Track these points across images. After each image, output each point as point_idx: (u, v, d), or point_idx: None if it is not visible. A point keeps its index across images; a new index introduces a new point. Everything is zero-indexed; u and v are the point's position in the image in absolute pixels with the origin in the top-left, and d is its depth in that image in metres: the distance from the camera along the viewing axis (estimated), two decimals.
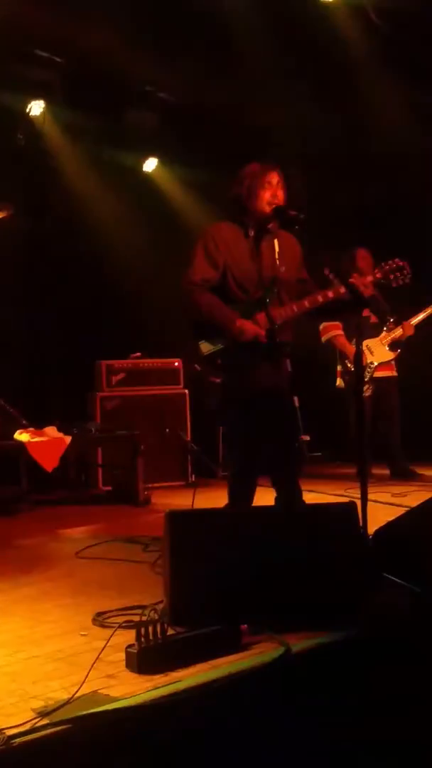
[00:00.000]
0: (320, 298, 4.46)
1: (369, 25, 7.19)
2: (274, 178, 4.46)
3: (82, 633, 3.34)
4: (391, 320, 7.53)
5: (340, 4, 7.11)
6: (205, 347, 4.49)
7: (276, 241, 4.51)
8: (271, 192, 4.44)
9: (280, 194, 4.46)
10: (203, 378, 4.53)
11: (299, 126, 8.38)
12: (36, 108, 7.85)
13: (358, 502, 3.66)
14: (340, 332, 7.51)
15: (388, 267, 4.55)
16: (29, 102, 7.80)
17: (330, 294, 4.44)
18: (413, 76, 7.63)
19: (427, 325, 7.55)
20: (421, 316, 7.49)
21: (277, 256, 4.49)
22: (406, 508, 4.56)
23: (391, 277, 4.54)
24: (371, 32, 7.23)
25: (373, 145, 8.60)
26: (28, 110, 7.82)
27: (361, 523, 3.59)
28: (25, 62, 7.49)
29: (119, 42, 7.07)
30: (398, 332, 7.47)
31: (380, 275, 4.54)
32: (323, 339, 7.63)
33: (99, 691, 2.68)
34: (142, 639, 2.86)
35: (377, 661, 3.11)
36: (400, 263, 4.55)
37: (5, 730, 2.36)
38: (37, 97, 7.80)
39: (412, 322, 7.47)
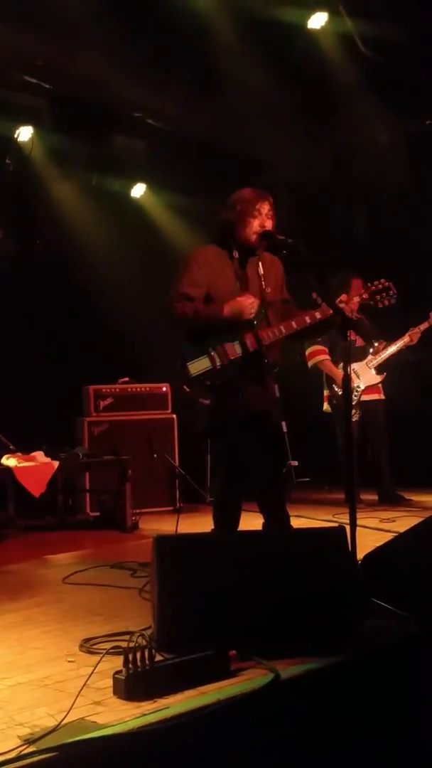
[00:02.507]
0: (308, 319, 4.47)
1: (356, 53, 7.25)
2: (265, 207, 4.49)
3: (70, 659, 3.31)
4: (377, 343, 7.53)
5: (327, 33, 7.17)
6: (194, 368, 4.49)
7: (260, 263, 4.53)
8: (260, 221, 4.47)
9: (269, 224, 4.49)
10: (192, 400, 4.50)
11: (287, 152, 8.43)
12: (24, 134, 7.87)
13: (347, 528, 3.65)
14: (327, 356, 7.51)
15: (374, 288, 4.57)
16: (18, 128, 7.82)
17: (318, 315, 4.46)
18: (400, 103, 7.70)
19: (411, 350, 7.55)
20: (426, 326, 7.40)
21: (262, 278, 4.51)
22: (395, 534, 4.55)
23: (378, 298, 4.56)
24: (358, 60, 7.29)
25: (362, 170, 8.67)
26: (16, 136, 7.84)
27: (350, 548, 3.58)
28: (13, 88, 7.52)
29: (107, 68, 7.12)
30: (405, 340, 7.39)
31: (367, 296, 4.56)
32: (310, 364, 7.63)
33: (86, 718, 2.65)
34: (130, 665, 2.83)
35: (367, 688, 3.09)
36: (386, 284, 4.57)
37: None
38: (25, 123, 7.82)
39: (421, 328, 7.40)
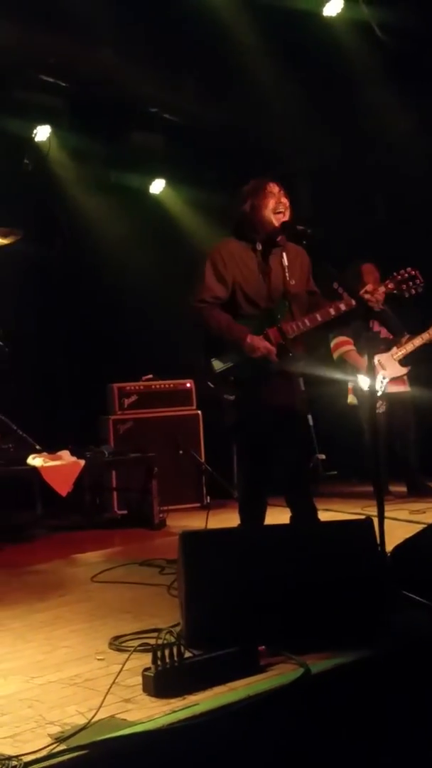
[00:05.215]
0: (332, 311, 4.43)
1: (373, 40, 7.17)
2: (275, 187, 4.46)
3: (99, 657, 3.30)
4: (404, 336, 7.47)
5: (343, 21, 7.09)
6: (218, 364, 4.47)
7: (284, 255, 4.49)
8: (275, 200, 4.43)
9: (285, 201, 4.45)
10: (217, 396, 4.48)
11: (306, 142, 8.38)
12: (42, 133, 7.88)
13: (375, 520, 3.61)
14: (352, 347, 7.44)
15: (399, 277, 4.48)
16: (35, 127, 7.83)
17: (342, 307, 4.42)
18: (418, 90, 7.62)
19: None
20: None
21: (286, 269, 4.47)
22: (425, 525, 4.50)
23: (404, 287, 4.47)
24: (376, 47, 7.21)
25: (381, 158, 8.59)
26: (34, 135, 7.85)
27: (378, 540, 3.54)
28: (30, 88, 7.52)
29: (123, 65, 7.09)
30: (425, 337, 7.34)
31: (392, 286, 4.47)
32: (335, 355, 7.56)
33: (116, 715, 2.65)
34: (159, 662, 2.81)
35: (398, 681, 3.06)
36: (412, 272, 4.48)
37: (22, 757, 2.34)
38: (42, 122, 7.83)
39: None
